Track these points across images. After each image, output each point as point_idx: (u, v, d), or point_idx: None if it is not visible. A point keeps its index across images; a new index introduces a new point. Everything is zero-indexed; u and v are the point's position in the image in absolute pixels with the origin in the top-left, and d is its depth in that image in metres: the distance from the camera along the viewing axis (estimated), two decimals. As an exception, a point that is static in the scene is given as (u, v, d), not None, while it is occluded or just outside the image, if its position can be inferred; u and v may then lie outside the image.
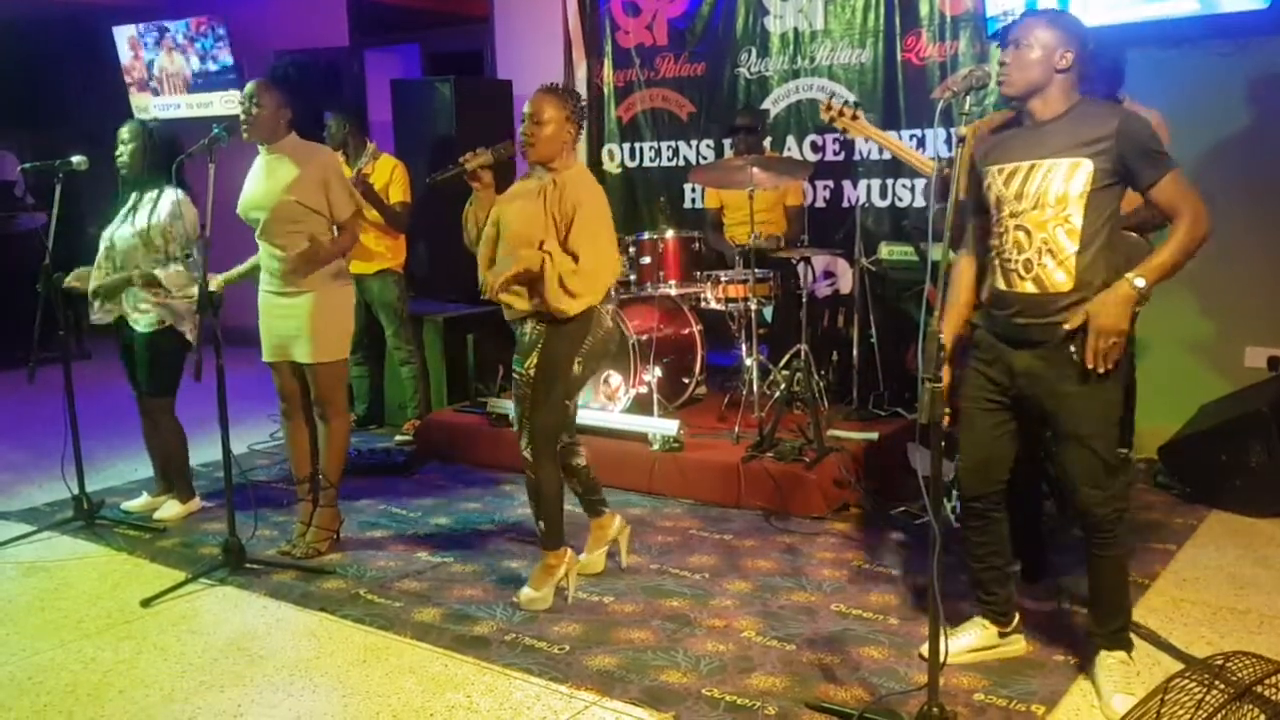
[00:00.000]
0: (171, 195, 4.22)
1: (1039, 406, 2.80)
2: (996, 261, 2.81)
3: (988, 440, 2.91)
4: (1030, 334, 2.76)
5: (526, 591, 3.59)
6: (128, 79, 8.78)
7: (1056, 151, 2.69)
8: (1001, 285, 2.80)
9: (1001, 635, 3.09)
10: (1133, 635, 2.98)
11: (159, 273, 4.17)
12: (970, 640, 3.10)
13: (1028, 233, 2.73)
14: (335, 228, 3.97)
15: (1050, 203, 2.70)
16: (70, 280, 4.35)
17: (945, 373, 2.88)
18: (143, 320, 4.27)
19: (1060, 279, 2.71)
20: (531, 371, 3.40)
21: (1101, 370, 2.65)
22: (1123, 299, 2.62)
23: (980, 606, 3.12)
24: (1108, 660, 2.89)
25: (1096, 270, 2.69)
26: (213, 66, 8.30)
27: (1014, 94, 2.76)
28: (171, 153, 4.29)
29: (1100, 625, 2.92)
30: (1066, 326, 2.67)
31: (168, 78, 8.63)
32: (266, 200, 3.87)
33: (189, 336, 4.28)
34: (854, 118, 4.08)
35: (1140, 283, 2.62)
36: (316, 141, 4.16)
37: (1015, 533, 3.36)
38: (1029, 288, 2.74)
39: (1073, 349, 2.69)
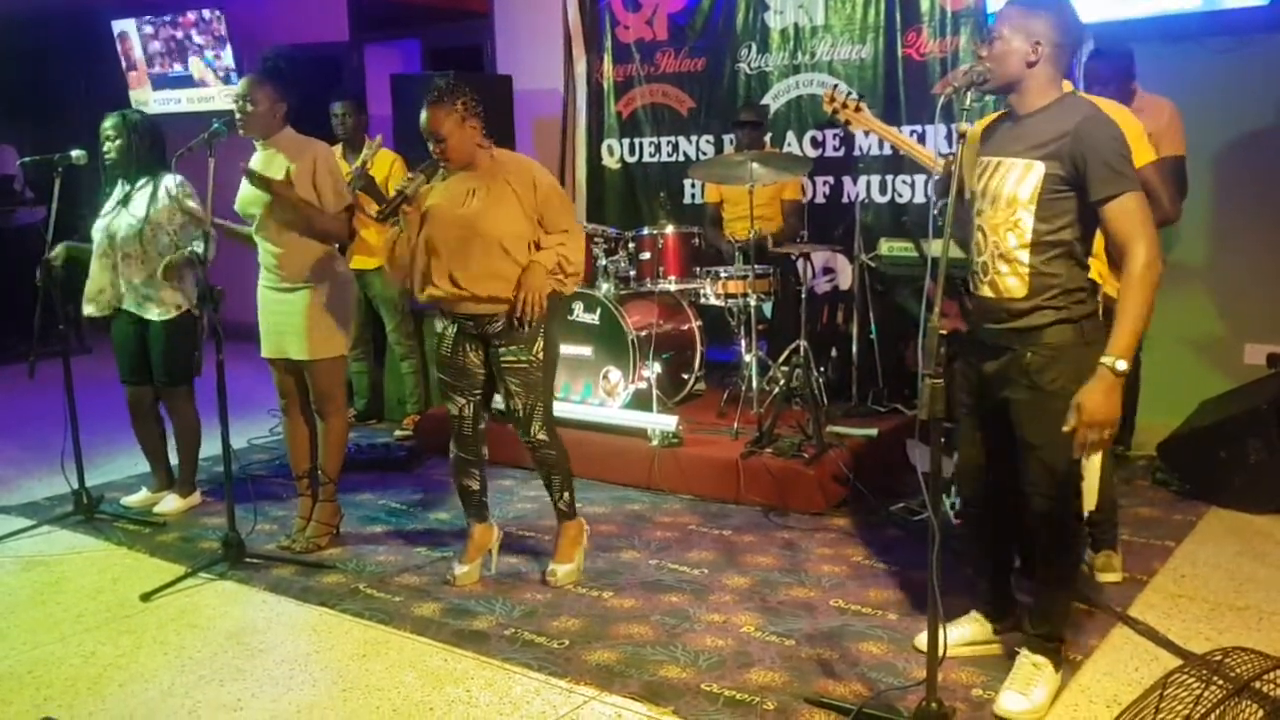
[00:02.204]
0: (171, 180, 4.25)
1: (1002, 411, 2.76)
2: (970, 263, 2.78)
3: (973, 444, 2.90)
4: (996, 340, 2.71)
5: (565, 568, 3.70)
6: (127, 73, 8.78)
7: (1018, 150, 2.61)
8: (971, 288, 2.76)
9: (996, 632, 3.09)
10: (1129, 633, 2.96)
11: (198, 252, 4.12)
12: (965, 633, 3.10)
13: (984, 234, 2.68)
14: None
15: (1003, 205, 2.62)
16: (58, 255, 4.34)
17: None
18: (158, 310, 4.27)
19: (1013, 284, 2.63)
20: (539, 356, 3.53)
21: (1086, 458, 2.55)
22: (1109, 389, 2.45)
23: (977, 601, 3.13)
24: (1022, 659, 2.86)
25: (1054, 278, 2.60)
26: (212, 61, 8.30)
27: (992, 89, 2.68)
28: (156, 143, 4.30)
29: (1029, 624, 2.89)
30: (1065, 428, 2.48)
31: (167, 72, 8.63)
32: (260, 196, 3.87)
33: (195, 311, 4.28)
34: (857, 109, 4.07)
35: (1122, 365, 2.44)
36: (319, 135, 4.15)
37: (1021, 530, 3.37)
38: (987, 292, 2.70)
39: (1029, 358, 2.62)
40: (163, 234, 4.23)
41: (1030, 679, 2.80)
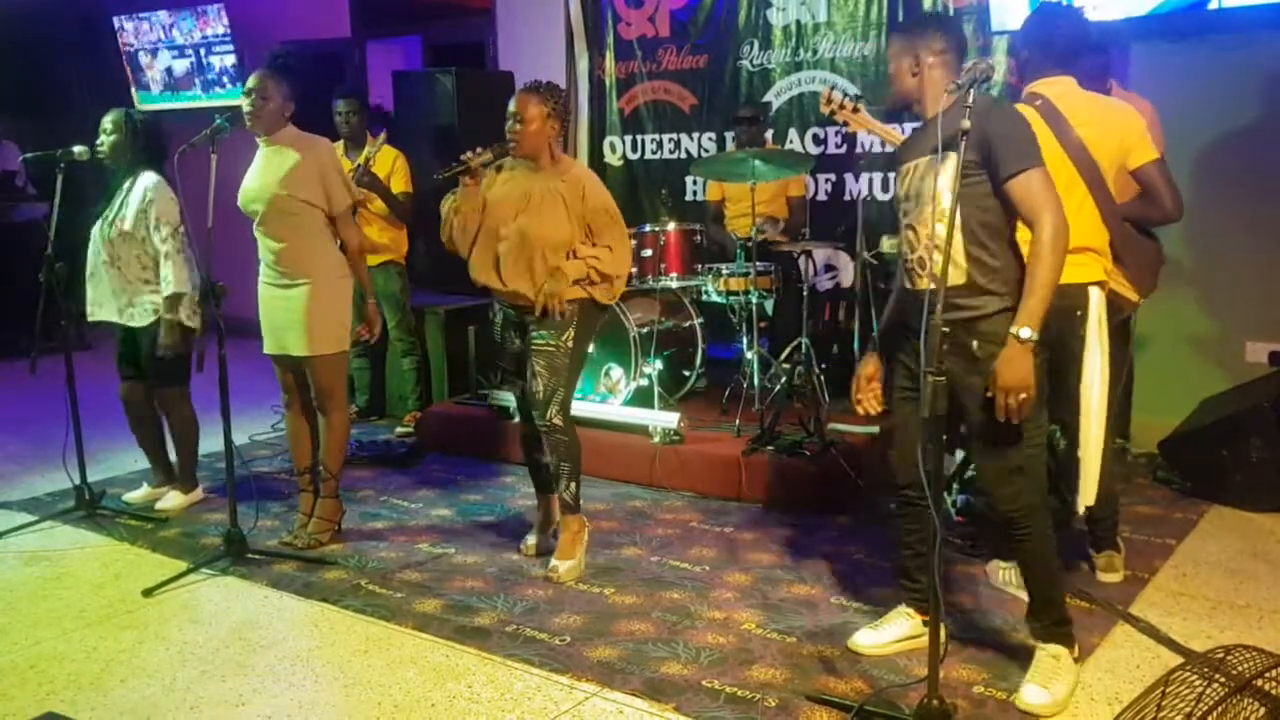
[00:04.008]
0: (144, 182, 4.22)
1: (951, 399, 2.75)
2: (902, 266, 2.88)
3: (913, 431, 2.90)
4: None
5: (566, 564, 3.73)
6: (129, 68, 8.78)
7: (927, 148, 2.75)
8: (905, 284, 2.87)
9: (925, 624, 3.07)
10: (1130, 630, 2.97)
11: (170, 292, 4.16)
12: (898, 631, 3.11)
13: (915, 232, 2.79)
14: (329, 220, 3.95)
15: (927, 200, 2.73)
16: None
17: (874, 364, 3.01)
18: (139, 315, 4.28)
19: (952, 272, 2.68)
20: (569, 343, 3.65)
21: (1016, 421, 2.63)
22: (1017, 355, 2.58)
23: (905, 594, 3.14)
24: (1040, 652, 2.88)
25: (989, 263, 2.69)
26: (214, 57, 8.29)
27: (894, 106, 2.88)
28: (155, 143, 4.29)
29: (1034, 617, 2.91)
30: (986, 395, 2.64)
31: (169, 68, 8.62)
32: (263, 193, 3.87)
33: (189, 323, 4.27)
34: (854, 110, 4.07)
35: (1025, 333, 2.57)
36: (322, 132, 4.14)
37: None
38: (927, 284, 2.74)
39: (975, 345, 2.68)
40: (132, 241, 4.22)
41: (1051, 672, 2.82)
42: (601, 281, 3.66)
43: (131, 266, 4.24)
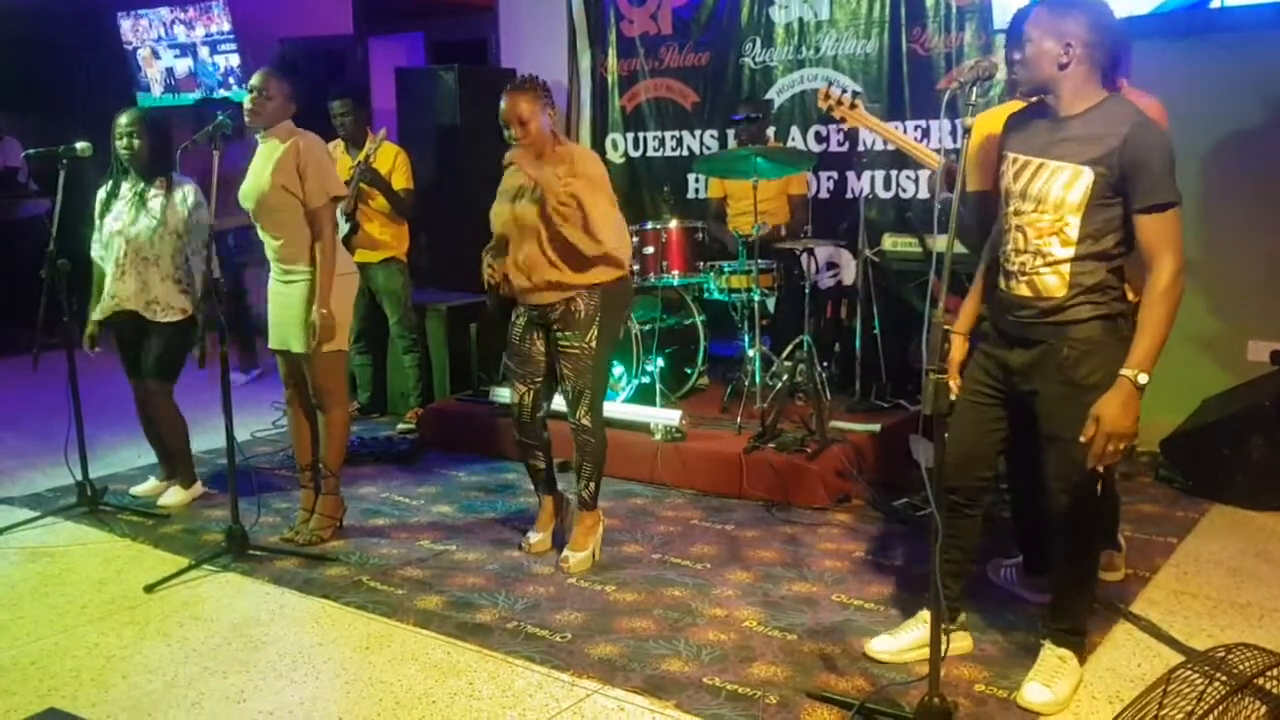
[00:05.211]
0: (192, 186, 4.28)
1: (1028, 405, 2.75)
2: (1000, 258, 2.76)
3: (975, 434, 2.87)
4: (1026, 333, 2.70)
5: (578, 556, 3.77)
6: (131, 65, 8.78)
7: (1064, 154, 2.58)
8: (1001, 284, 2.75)
9: (944, 632, 3.05)
10: (1131, 629, 2.97)
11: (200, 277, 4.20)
12: (915, 636, 3.06)
13: (1024, 235, 2.66)
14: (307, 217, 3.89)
15: (1049, 208, 2.60)
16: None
17: (957, 353, 2.90)
18: (164, 313, 4.28)
19: (1053, 283, 2.63)
20: (593, 343, 3.65)
21: (1101, 469, 2.57)
22: (1128, 399, 2.47)
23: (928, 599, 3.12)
24: (1047, 652, 2.87)
25: (1092, 275, 2.60)
26: (218, 56, 8.29)
27: (1026, 92, 2.68)
28: (168, 141, 4.30)
29: (1051, 619, 2.90)
30: (1083, 438, 2.51)
31: (171, 68, 8.62)
32: (253, 189, 3.88)
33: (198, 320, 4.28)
34: (852, 107, 4.05)
35: (1143, 379, 2.47)
36: (321, 131, 4.14)
37: (1021, 525, 3.37)
38: (1024, 291, 2.68)
39: (1065, 352, 2.63)
40: (175, 237, 4.24)
41: (1055, 671, 2.81)
42: (603, 259, 3.55)
43: (167, 262, 4.25)
